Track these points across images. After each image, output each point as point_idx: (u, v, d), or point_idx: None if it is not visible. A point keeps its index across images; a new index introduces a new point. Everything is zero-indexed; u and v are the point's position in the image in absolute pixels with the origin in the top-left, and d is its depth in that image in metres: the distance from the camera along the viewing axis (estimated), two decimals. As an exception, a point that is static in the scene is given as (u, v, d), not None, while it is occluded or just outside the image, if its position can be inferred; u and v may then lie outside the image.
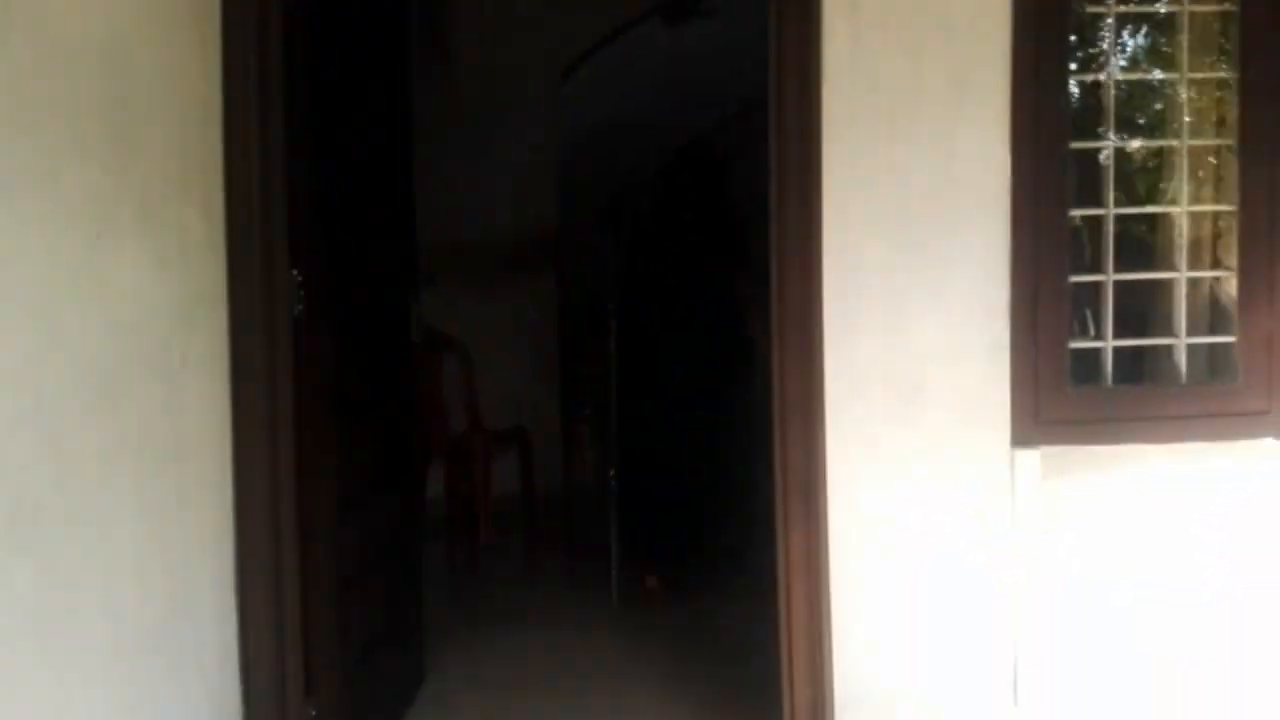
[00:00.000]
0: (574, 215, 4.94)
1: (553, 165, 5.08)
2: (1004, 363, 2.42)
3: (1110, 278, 2.48)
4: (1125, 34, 2.89)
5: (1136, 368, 2.64)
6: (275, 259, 2.24)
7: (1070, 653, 2.44)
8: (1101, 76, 2.53)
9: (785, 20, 2.42)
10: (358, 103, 2.68)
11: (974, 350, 2.42)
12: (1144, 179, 2.89)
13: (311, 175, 2.35)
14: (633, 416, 3.99)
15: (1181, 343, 2.51)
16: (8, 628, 1.51)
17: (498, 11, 4.99)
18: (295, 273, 2.29)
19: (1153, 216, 2.72)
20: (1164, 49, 2.82)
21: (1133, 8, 2.71)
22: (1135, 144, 2.79)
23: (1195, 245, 2.61)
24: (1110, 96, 2.50)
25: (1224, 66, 2.58)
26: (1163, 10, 2.73)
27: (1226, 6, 2.52)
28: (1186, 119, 2.54)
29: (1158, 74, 2.81)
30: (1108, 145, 2.52)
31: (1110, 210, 2.49)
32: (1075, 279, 2.45)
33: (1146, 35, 2.97)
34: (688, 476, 3.98)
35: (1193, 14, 2.53)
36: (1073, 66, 2.52)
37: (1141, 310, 2.66)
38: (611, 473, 3.89)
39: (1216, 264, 2.62)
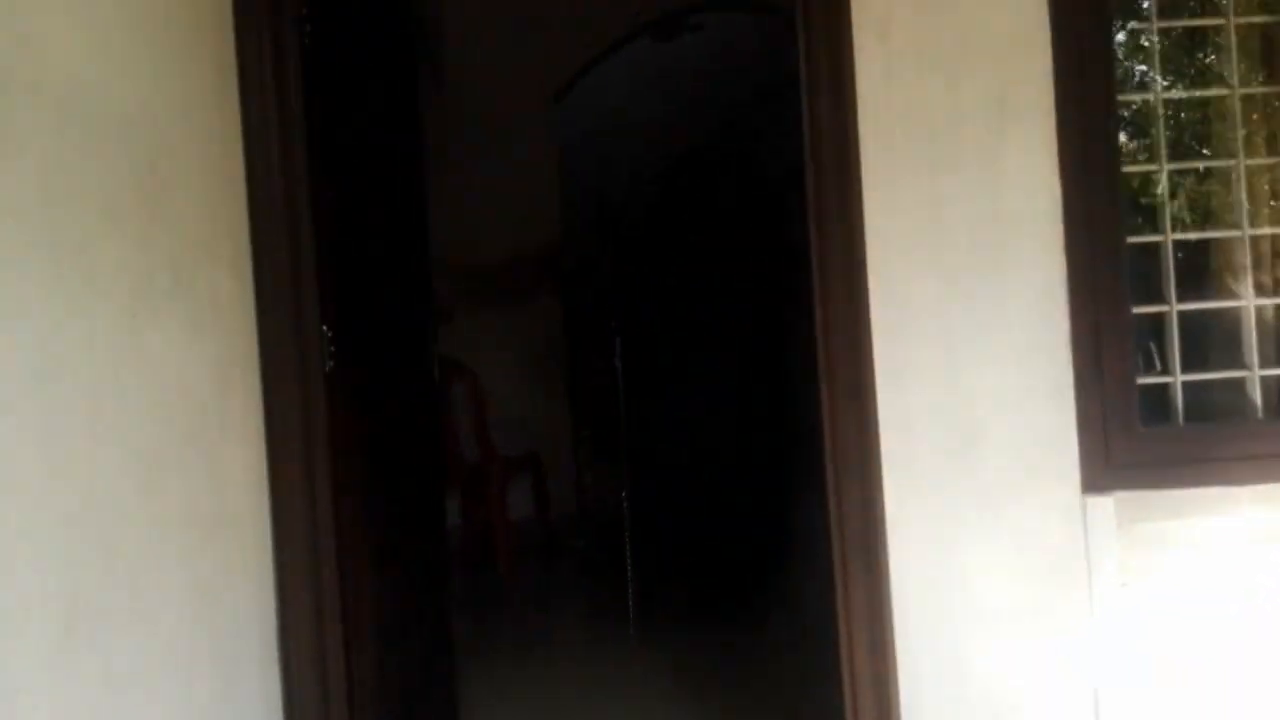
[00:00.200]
0: (575, 232, 4.96)
1: (552, 184, 5.11)
2: (1068, 403, 2.25)
3: (1174, 308, 2.32)
4: (1171, 50, 2.76)
5: (1201, 402, 2.47)
6: (306, 316, 2.20)
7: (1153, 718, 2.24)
8: (1149, 96, 2.40)
9: (814, 47, 2.30)
10: (375, 147, 2.65)
11: (1035, 391, 2.25)
12: (1200, 201, 2.75)
13: (336, 227, 2.31)
14: (648, 434, 3.94)
15: (1254, 375, 2.34)
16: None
17: (489, 36, 5.00)
18: (325, 328, 2.23)
19: (1210, 242, 2.57)
20: (1211, 65, 2.69)
21: (1175, 22, 2.59)
22: (1187, 166, 2.64)
23: (1257, 268, 2.45)
24: (1159, 116, 2.37)
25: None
26: (1208, 25, 2.61)
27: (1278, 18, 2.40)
28: (1241, 133, 2.40)
29: (1206, 91, 2.66)
30: (1159, 168, 2.38)
31: (1169, 236, 2.34)
32: (1138, 310, 2.29)
33: (1193, 52, 2.84)
34: (717, 504, 3.89)
35: (1239, 27, 2.40)
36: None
37: (1207, 342, 2.50)
38: (623, 494, 3.81)
39: (1280, 288, 2.47)
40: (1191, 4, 2.73)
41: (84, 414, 1.51)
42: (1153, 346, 2.35)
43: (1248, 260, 2.41)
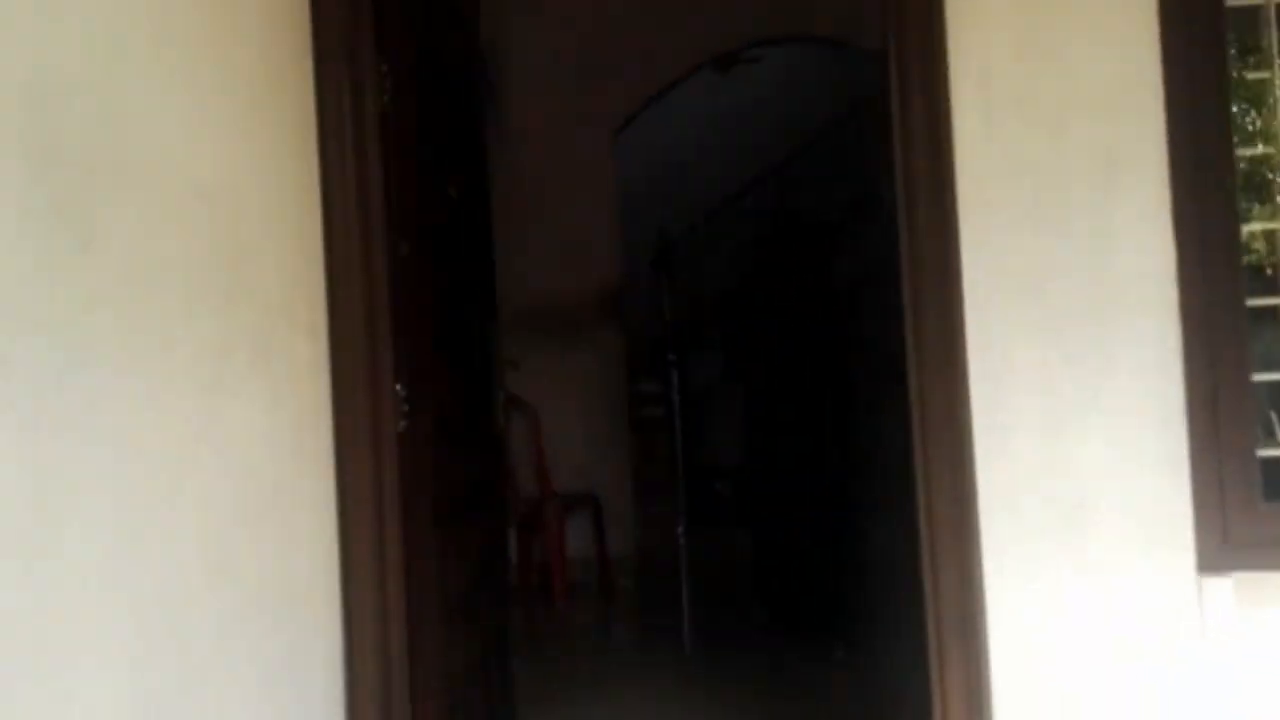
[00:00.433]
0: (635, 268, 4.96)
1: (613, 220, 5.14)
2: (1183, 476, 2.11)
3: (1298, 374, 2.18)
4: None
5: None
6: (380, 376, 2.14)
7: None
8: (1272, 150, 2.26)
9: (909, 95, 2.19)
10: (445, 198, 2.61)
11: (1146, 463, 2.12)
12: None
13: (410, 283, 2.26)
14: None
15: (1385, 447, 2.18)
16: None
17: (548, 74, 5.01)
18: (399, 387, 2.17)
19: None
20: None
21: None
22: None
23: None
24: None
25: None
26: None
27: None
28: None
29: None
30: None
31: (1291, 297, 2.20)
32: (1258, 378, 2.14)
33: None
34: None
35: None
36: (1236, 140, 2.25)
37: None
38: (680, 530, 3.74)
39: None
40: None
41: (163, 498, 1.46)
42: (1274, 416, 2.20)
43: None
